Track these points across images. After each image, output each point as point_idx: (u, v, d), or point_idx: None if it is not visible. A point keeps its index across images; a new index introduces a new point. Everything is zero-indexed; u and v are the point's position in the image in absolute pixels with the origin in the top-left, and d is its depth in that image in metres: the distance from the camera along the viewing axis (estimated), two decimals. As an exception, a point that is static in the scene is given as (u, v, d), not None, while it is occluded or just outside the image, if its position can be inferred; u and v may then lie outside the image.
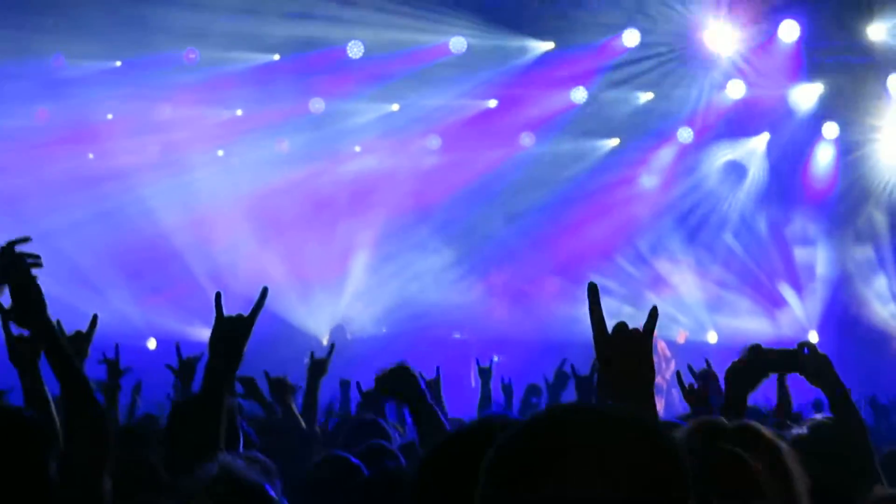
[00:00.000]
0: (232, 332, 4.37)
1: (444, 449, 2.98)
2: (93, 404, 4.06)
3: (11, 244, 4.10)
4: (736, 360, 4.83)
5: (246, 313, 4.38)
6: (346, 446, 6.63)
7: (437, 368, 9.82)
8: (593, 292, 3.35)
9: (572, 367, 9.36)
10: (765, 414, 7.86)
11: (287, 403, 8.03)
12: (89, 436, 3.87)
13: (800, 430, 4.74)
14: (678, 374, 7.34)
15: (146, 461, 5.03)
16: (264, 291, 4.39)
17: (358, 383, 8.59)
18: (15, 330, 4.54)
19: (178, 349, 8.10)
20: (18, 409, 4.11)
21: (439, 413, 5.34)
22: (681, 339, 21.25)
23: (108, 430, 4.11)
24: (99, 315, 5.25)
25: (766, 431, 3.34)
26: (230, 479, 3.56)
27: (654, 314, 3.42)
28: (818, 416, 5.31)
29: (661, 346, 20.43)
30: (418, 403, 5.24)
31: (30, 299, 4.11)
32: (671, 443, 2.08)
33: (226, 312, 4.41)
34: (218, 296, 4.43)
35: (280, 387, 8.14)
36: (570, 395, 9.96)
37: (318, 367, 8.42)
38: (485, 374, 11.31)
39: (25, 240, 4.16)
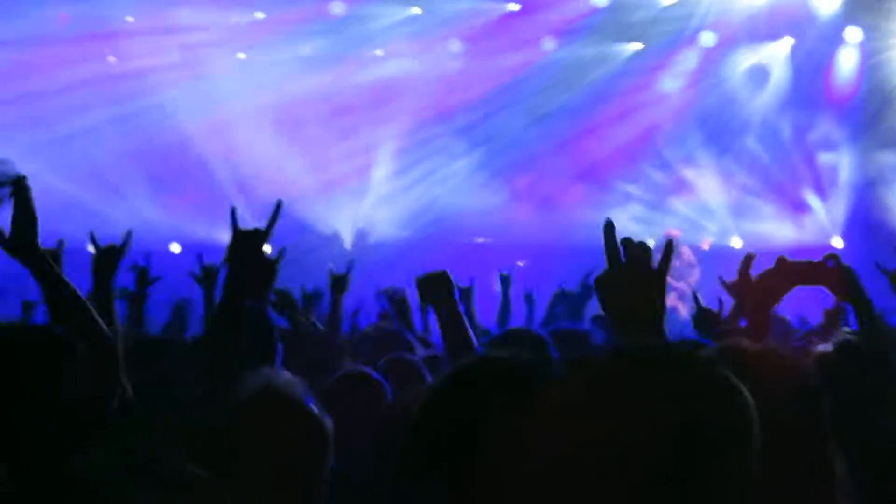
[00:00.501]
0: (247, 245, 4.37)
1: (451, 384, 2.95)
2: (89, 320, 4.06)
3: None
4: (760, 272, 4.74)
5: (263, 225, 4.41)
6: (370, 360, 6.61)
7: (472, 279, 9.87)
8: (609, 229, 3.27)
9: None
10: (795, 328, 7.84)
11: (294, 317, 7.86)
12: (92, 351, 3.78)
13: (825, 348, 4.62)
14: (695, 294, 7.29)
15: (175, 373, 4.98)
16: (279, 204, 4.44)
17: (387, 291, 8.53)
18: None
19: (199, 259, 8.06)
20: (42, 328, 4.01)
21: (467, 326, 5.36)
22: (705, 246, 21.20)
23: (110, 345, 4.10)
24: (121, 219, 5.22)
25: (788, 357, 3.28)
26: (272, 394, 3.54)
27: (669, 248, 3.32)
28: (845, 332, 5.22)
29: (685, 251, 20.45)
30: (450, 313, 5.29)
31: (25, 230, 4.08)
32: None
33: (242, 225, 4.43)
34: (233, 210, 4.47)
35: (282, 300, 7.93)
36: (594, 306, 9.80)
37: (338, 283, 8.36)
38: (505, 282, 11.23)
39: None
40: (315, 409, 3.59)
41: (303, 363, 5.81)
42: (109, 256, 5.09)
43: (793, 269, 4.65)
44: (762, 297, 4.62)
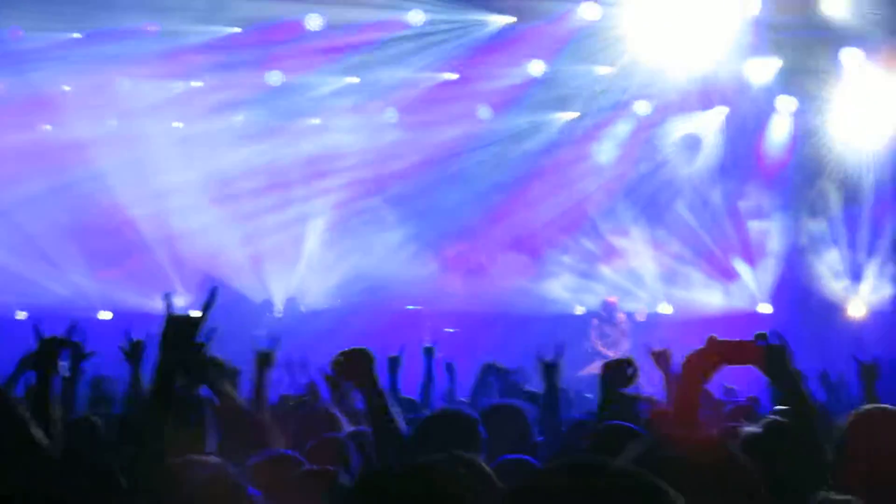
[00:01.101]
0: (180, 333, 4.35)
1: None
2: None
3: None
4: (691, 352, 4.69)
5: (196, 312, 4.40)
6: (296, 438, 6.63)
7: (401, 347, 9.90)
8: None
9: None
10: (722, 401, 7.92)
11: (221, 389, 7.34)
12: None
13: (754, 429, 4.72)
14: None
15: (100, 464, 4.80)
16: (213, 291, 4.38)
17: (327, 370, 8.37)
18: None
19: (127, 334, 7.81)
20: None
21: (389, 403, 5.46)
22: (640, 317, 21.34)
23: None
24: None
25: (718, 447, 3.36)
26: (220, 483, 3.67)
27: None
28: (773, 415, 5.30)
29: (621, 318, 20.60)
30: (371, 393, 5.37)
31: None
32: None
33: (175, 311, 4.42)
34: (167, 296, 4.48)
35: (216, 370, 7.41)
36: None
37: (264, 359, 8.01)
38: (428, 353, 11.14)
39: None
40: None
41: (233, 442, 5.84)
42: (51, 349, 5.15)
43: (722, 349, 4.62)
44: (691, 378, 4.60)
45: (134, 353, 7.71)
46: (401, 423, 5.62)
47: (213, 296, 4.36)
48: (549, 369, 8.08)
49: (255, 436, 6.43)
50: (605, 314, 20.79)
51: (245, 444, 5.98)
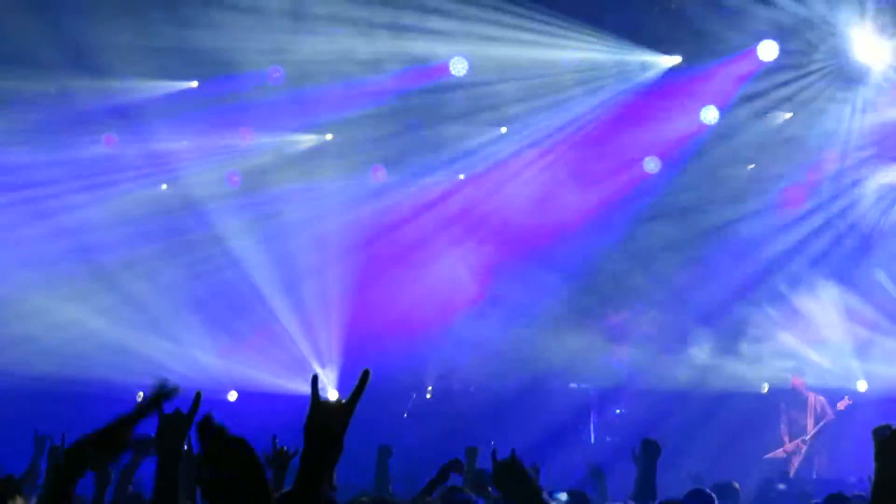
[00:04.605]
0: (329, 420, 3.85)
1: None
2: None
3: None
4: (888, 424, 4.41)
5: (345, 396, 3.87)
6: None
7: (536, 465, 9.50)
8: None
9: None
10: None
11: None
12: None
13: None
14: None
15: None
16: (365, 374, 3.89)
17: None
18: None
19: (274, 441, 7.38)
20: None
21: None
22: (841, 406, 19.12)
23: None
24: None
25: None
26: None
27: None
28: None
29: (812, 399, 18.73)
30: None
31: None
32: None
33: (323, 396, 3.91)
34: (315, 379, 3.90)
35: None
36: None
37: (282, 458, 7.41)
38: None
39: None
40: None
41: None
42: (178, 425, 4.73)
43: None
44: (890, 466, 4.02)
45: (281, 462, 7.36)
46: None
47: (364, 380, 3.89)
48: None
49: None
50: (791, 397, 19.30)
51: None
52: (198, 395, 4.50)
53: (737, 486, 10.79)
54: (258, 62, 16.79)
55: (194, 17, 15.61)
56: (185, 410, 4.99)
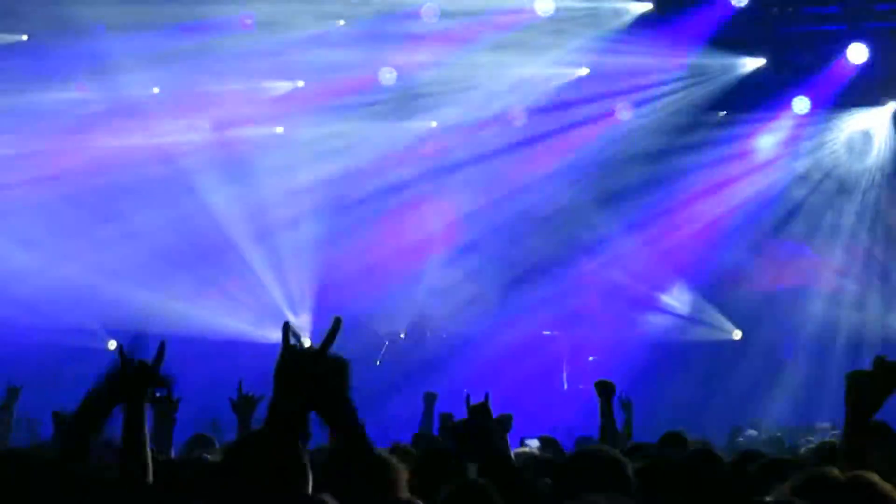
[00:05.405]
0: (299, 366, 3.90)
1: None
2: None
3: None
4: (854, 373, 4.50)
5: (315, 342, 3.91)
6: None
7: (510, 414, 9.01)
8: None
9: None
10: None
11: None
12: None
13: None
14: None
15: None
16: (337, 321, 3.93)
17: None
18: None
19: (240, 386, 7.78)
20: None
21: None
22: None
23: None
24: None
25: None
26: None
27: None
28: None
29: None
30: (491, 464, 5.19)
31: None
32: None
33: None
34: (286, 326, 3.98)
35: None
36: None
37: (247, 404, 7.74)
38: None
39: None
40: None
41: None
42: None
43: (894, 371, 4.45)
44: (858, 405, 4.46)
45: (245, 407, 7.72)
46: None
47: (335, 328, 3.92)
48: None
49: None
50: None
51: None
52: (162, 343, 4.53)
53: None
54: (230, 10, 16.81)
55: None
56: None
